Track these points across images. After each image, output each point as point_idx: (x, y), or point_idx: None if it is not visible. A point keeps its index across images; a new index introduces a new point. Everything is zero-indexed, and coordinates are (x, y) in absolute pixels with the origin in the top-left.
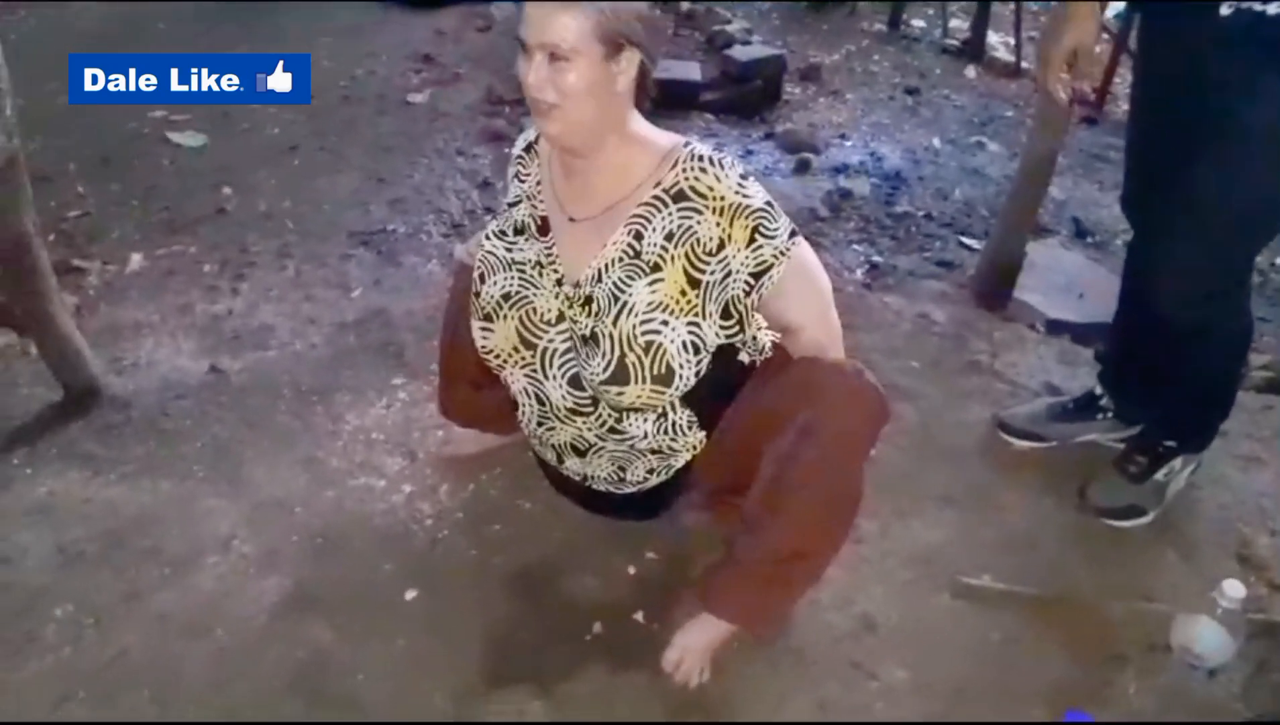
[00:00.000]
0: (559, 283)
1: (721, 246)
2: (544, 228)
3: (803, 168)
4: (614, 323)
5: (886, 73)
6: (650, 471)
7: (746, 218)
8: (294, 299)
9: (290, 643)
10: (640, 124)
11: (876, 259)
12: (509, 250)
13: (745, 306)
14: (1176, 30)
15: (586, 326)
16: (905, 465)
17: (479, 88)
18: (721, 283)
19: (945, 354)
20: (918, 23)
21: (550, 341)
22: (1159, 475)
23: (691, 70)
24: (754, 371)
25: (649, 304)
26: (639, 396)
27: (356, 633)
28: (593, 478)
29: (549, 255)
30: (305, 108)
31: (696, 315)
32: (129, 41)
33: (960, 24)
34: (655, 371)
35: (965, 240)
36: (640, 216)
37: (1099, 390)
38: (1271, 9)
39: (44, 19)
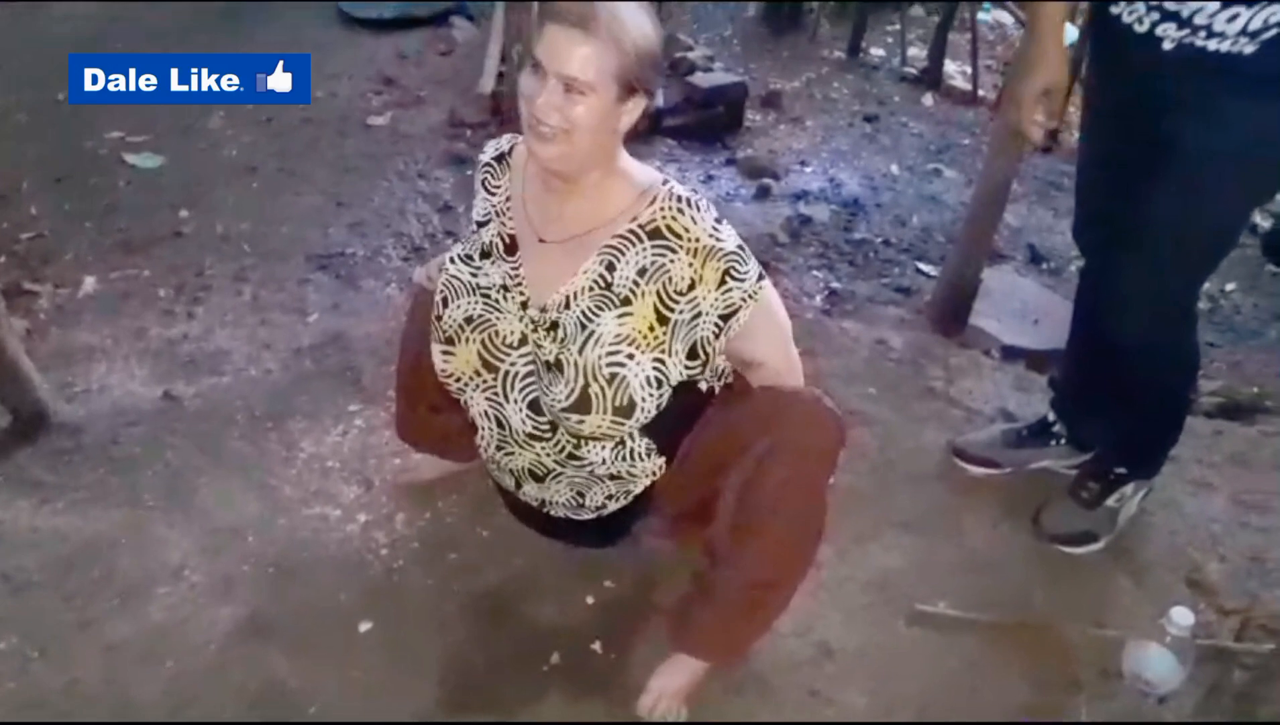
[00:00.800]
0: (524, 306)
1: (692, 287)
2: (511, 247)
3: (763, 194)
4: (580, 351)
5: (846, 100)
6: (609, 497)
7: (719, 260)
8: (250, 323)
9: (244, 672)
10: (626, 158)
11: (835, 285)
12: (474, 275)
13: (712, 348)
14: (1123, 59)
15: (551, 353)
16: (863, 490)
17: (441, 111)
18: (690, 322)
19: (902, 380)
20: (877, 51)
21: (512, 364)
22: (1111, 501)
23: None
24: (714, 398)
25: (616, 336)
26: (599, 427)
27: (311, 662)
28: (551, 503)
29: (514, 276)
30: (265, 128)
31: (662, 351)
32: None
33: (918, 52)
34: (617, 403)
35: (922, 266)
36: (614, 248)
37: (1052, 417)
38: (1212, 45)
39: (2, 32)
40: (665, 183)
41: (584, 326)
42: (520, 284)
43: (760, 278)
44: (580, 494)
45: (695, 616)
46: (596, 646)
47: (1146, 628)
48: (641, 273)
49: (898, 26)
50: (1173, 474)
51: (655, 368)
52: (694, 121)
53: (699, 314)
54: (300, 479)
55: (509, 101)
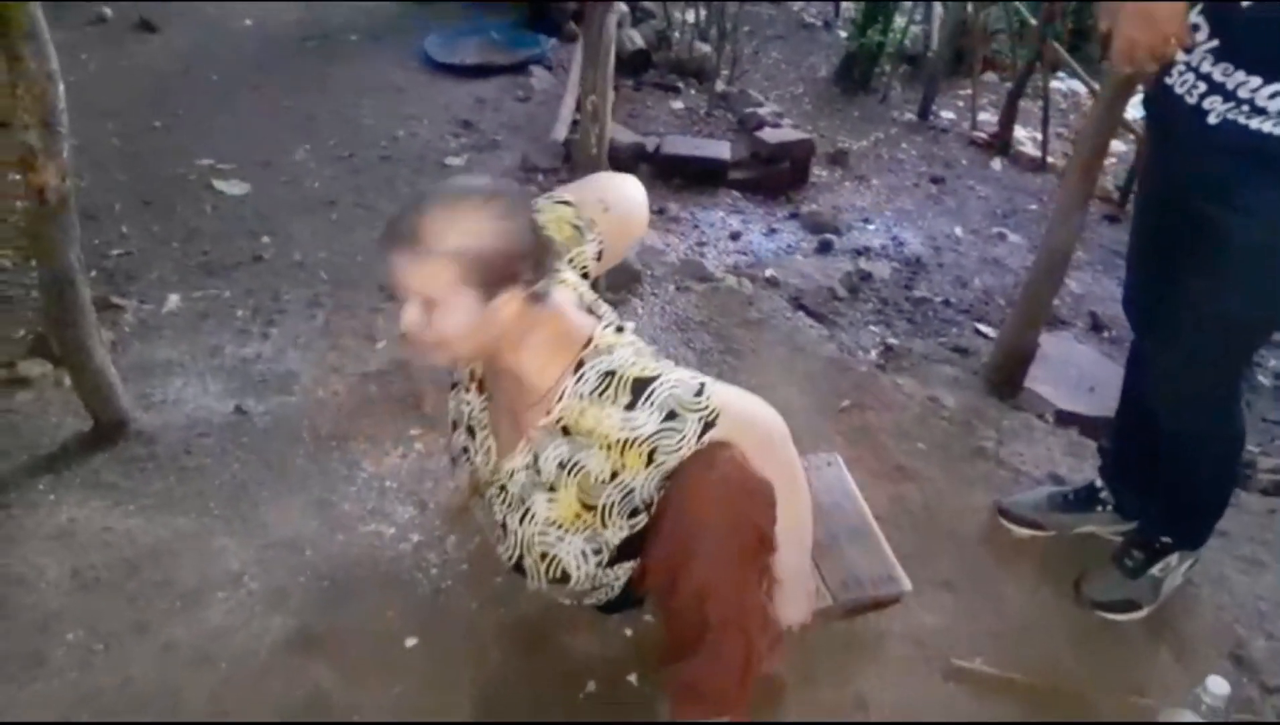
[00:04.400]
0: (490, 452)
1: (615, 474)
2: (482, 385)
3: (824, 248)
4: (519, 523)
5: (913, 161)
6: (600, 599)
7: (639, 446)
8: (320, 347)
9: (291, 680)
10: (551, 330)
11: (892, 341)
12: (459, 405)
13: (658, 498)
14: (1173, 134)
15: (500, 514)
16: (906, 546)
17: (515, 155)
18: (623, 500)
19: (952, 439)
20: (947, 114)
21: (490, 499)
22: (1155, 570)
23: (721, 149)
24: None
25: (546, 519)
26: (539, 590)
27: (356, 675)
28: (560, 599)
29: (484, 421)
30: (345, 164)
31: (595, 529)
32: (187, 87)
33: (989, 117)
34: (551, 576)
35: (981, 328)
36: (533, 440)
37: (1099, 483)
38: (1255, 123)
39: (103, 63)
40: (579, 370)
41: (522, 501)
42: (487, 432)
43: (706, 428)
44: (578, 601)
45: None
46: (633, 678)
47: (1184, 700)
48: (561, 466)
49: (969, 91)
50: (1222, 549)
51: (589, 543)
52: (759, 176)
53: (631, 491)
54: (359, 497)
55: (581, 150)
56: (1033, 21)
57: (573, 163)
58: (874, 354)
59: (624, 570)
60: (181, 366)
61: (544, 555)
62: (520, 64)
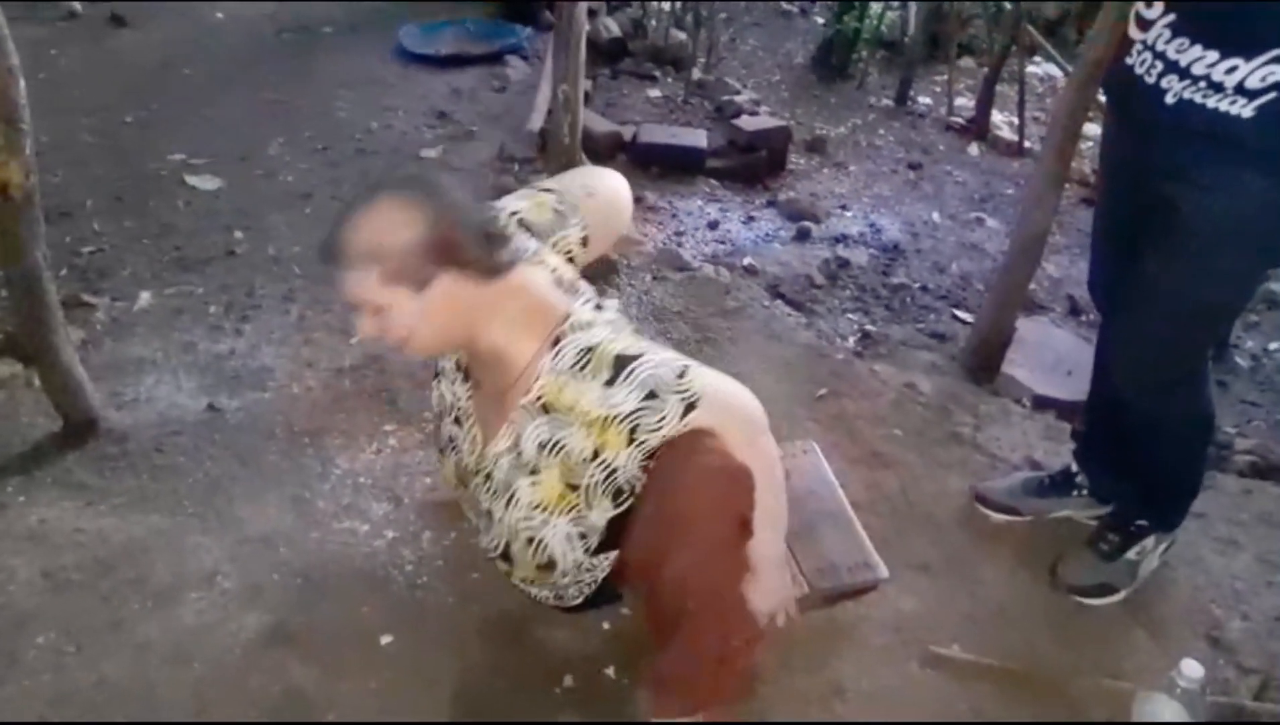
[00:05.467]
0: (475, 441)
1: (597, 453)
2: (468, 374)
3: (803, 236)
4: (504, 508)
5: (891, 147)
6: (581, 592)
7: (619, 424)
8: (295, 342)
9: (267, 678)
10: (520, 304)
11: (869, 328)
12: (444, 395)
13: (641, 481)
14: (1132, 115)
15: (485, 503)
16: (883, 532)
17: (491, 146)
18: (606, 479)
19: (929, 424)
20: (924, 100)
21: (475, 489)
22: (1131, 554)
23: (698, 138)
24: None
25: (530, 503)
26: (525, 577)
27: (332, 671)
28: (537, 598)
29: (468, 410)
30: (321, 157)
31: (580, 511)
32: (160, 81)
33: (966, 102)
34: (538, 561)
35: (959, 313)
36: (515, 422)
37: (1075, 467)
38: (1211, 102)
39: (75, 59)
40: (556, 346)
41: (507, 487)
42: (472, 421)
43: (688, 409)
44: (559, 596)
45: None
46: (610, 671)
47: (1161, 681)
48: (542, 447)
49: (946, 77)
50: (1199, 531)
51: (575, 524)
52: (737, 164)
53: (614, 470)
54: (333, 494)
55: (554, 138)
56: (1008, 6)
57: (548, 153)
58: (852, 341)
59: (606, 561)
60: (154, 364)
61: (530, 540)
62: (496, 54)
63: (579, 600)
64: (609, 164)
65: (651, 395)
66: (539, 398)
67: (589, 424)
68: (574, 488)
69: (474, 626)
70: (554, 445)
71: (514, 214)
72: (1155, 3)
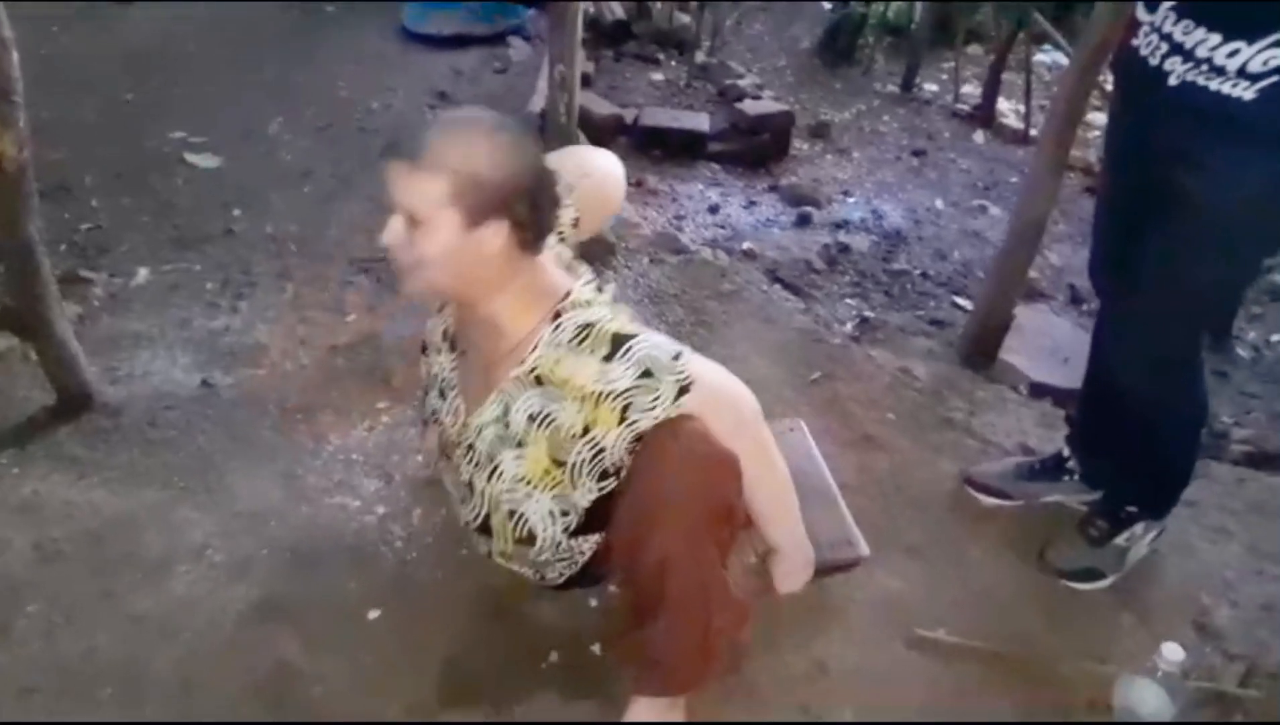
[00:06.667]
0: (458, 412)
1: (587, 430)
2: (454, 343)
3: (803, 221)
4: (486, 480)
5: (895, 133)
6: (561, 573)
7: (613, 401)
8: (290, 320)
9: (255, 651)
10: (531, 280)
11: (868, 313)
12: (430, 365)
13: (627, 463)
14: (1135, 96)
15: (466, 474)
16: (873, 514)
17: None
18: (594, 459)
19: (922, 408)
20: (930, 86)
21: (457, 460)
22: (1120, 540)
23: (700, 121)
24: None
25: (514, 476)
26: (504, 551)
27: (320, 645)
28: (518, 574)
29: (452, 380)
30: (322, 135)
31: (563, 488)
32: (162, 58)
33: (972, 90)
34: (518, 535)
35: (959, 301)
36: (507, 391)
37: (1067, 452)
38: (1214, 85)
39: (79, 36)
40: (556, 319)
41: (490, 458)
42: (456, 392)
43: (681, 392)
44: (541, 574)
45: (640, 655)
46: (596, 648)
47: (1144, 665)
48: (531, 419)
49: (953, 64)
50: (1190, 518)
51: (557, 502)
52: (739, 148)
53: (602, 449)
54: (324, 470)
55: (550, 118)
56: None
57: (547, 136)
58: (849, 327)
59: (589, 544)
60: (149, 340)
61: (511, 513)
62: (499, 35)
63: (560, 581)
64: (609, 146)
65: (647, 373)
66: (533, 369)
67: (582, 399)
68: (559, 464)
69: (462, 602)
70: (544, 418)
71: None
72: None
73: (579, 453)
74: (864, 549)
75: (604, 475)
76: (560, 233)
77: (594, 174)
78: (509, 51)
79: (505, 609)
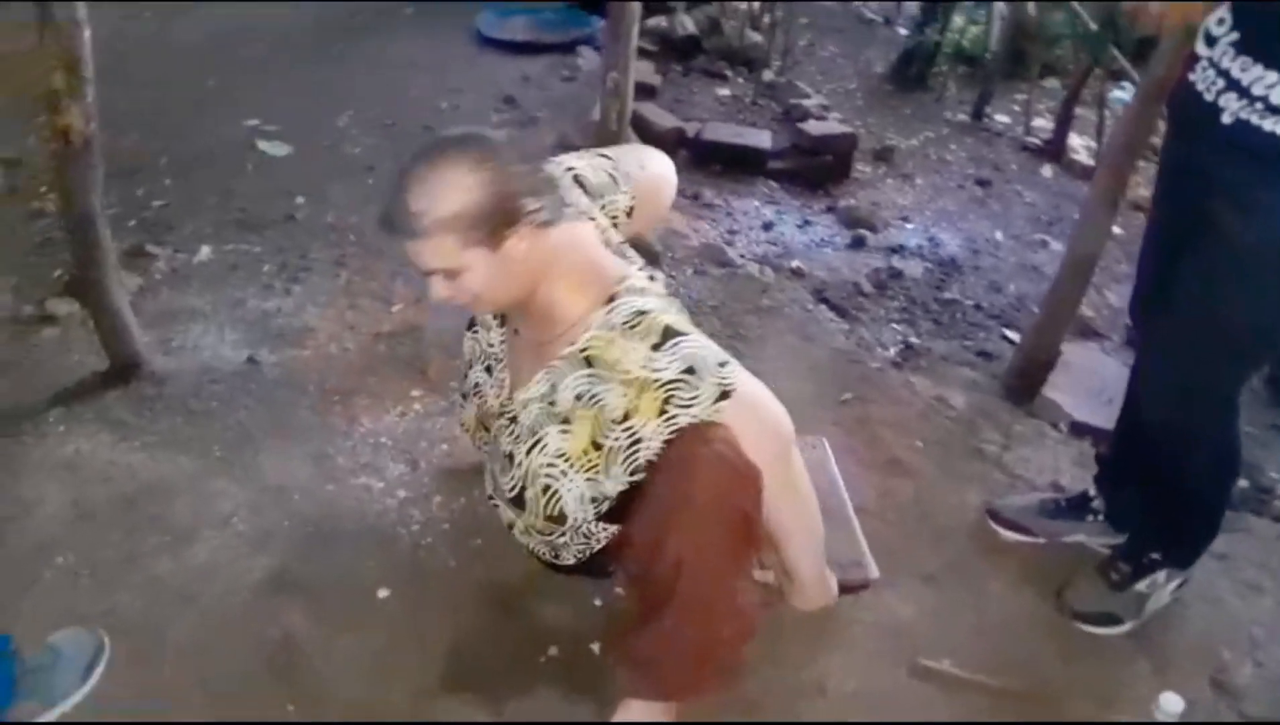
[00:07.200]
0: (503, 385)
1: (628, 417)
2: (504, 320)
3: (857, 244)
4: (526, 453)
5: (961, 162)
6: (575, 556)
7: (656, 391)
8: (339, 306)
9: (268, 621)
10: (579, 258)
11: (913, 340)
12: (477, 341)
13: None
14: (1188, 131)
15: (506, 446)
16: (890, 538)
17: (554, 133)
18: (629, 448)
19: (953, 438)
20: (1002, 117)
21: (497, 433)
22: (1140, 586)
23: (762, 138)
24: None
25: (557, 451)
26: (533, 525)
27: (327, 620)
28: (533, 553)
29: (501, 354)
30: (387, 132)
31: (598, 473)
32: (228, 56)
33: (1044, 123)
34: (549, 512)
35: (1009, 334)
36: (555, 368)
37: (1093, 491)
38: (1267, 124)
39: (155, 31)
40: (610, 302)
41: (533, 432)
42: (503, 365)
43: (721, 396)
44: (556, 554)
45: (638, 657)
46: (595, 647)
47: (1144, 714)
48: (578, 398)
49: (1026, 95)
50: (1221, 571)
51: (590, 485)
52: (799, 167)
53: (639, 440)
54: (354, 451)
55: (602, 125)
56: (1094, 27)
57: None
58: (892, 351)
59: (606, 533)
60: (204, 315)
61: (546, 488)
62: (570, 43)
63: (571, 563)
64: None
65: (691, 370)
66: (584, 350)
67: (627, 383)
68: (598, 447)
69: (470, 590)
70: (590, 398)
71: (570, 170)
72: (1223, 20)
73: (617, 438)
74: (874, 571)
75: (637, 470)
76: (615, 218)
77: (650, 167)
78: (578, 60)
79: (511, 601)
